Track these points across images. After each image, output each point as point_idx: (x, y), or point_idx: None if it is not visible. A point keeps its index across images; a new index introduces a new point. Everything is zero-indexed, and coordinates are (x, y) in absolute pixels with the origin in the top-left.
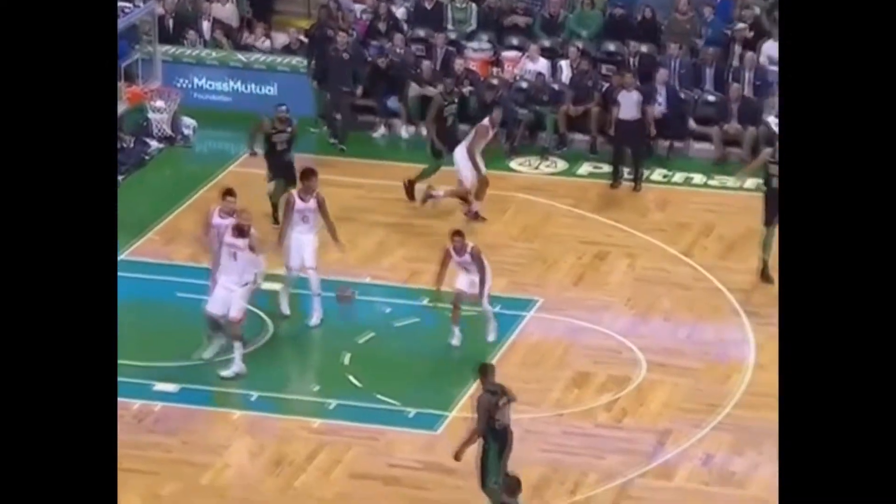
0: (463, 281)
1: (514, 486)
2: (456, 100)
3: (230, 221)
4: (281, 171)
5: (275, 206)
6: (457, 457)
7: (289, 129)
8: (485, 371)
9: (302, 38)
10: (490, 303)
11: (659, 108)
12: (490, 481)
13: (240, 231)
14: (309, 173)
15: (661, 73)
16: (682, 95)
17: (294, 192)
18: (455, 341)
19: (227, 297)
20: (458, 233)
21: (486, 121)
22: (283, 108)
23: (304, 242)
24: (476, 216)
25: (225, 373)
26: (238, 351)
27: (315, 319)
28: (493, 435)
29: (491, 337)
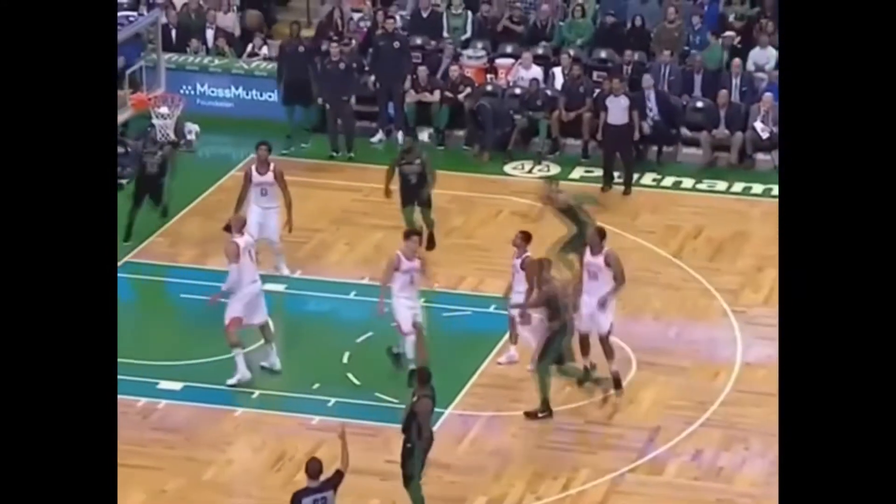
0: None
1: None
2: (415, 160)
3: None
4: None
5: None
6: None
7: (159, 152)
8: (424, 377)
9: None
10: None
11: (650, 113)
12: (415, 480)
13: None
14: (260, 144)
15: (646, 79)
16: (672, 101)
17: (252, 165)
18: (503, 359)
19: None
20: (523, 235)
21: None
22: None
23: (266, 215)
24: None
25: (230, 381)
26: (239, 357)
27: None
28: (421, 438)
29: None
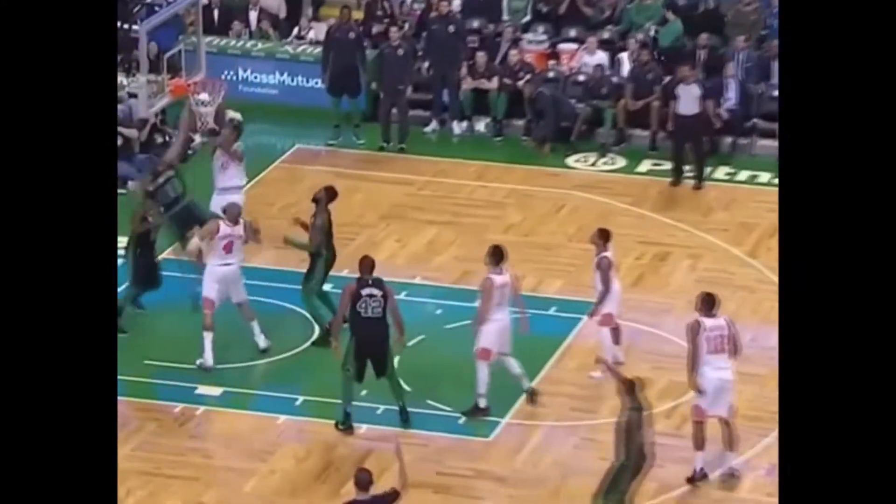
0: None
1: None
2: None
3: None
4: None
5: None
6: None
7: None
8: (632, 387)
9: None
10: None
11: (728, 102)
12: (611, 497)
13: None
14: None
15: (729, 67)
16: (748, 90)
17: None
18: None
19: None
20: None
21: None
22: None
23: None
24: None
25: (198, 361)
26: (207, 341)
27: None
28: (629, 455)
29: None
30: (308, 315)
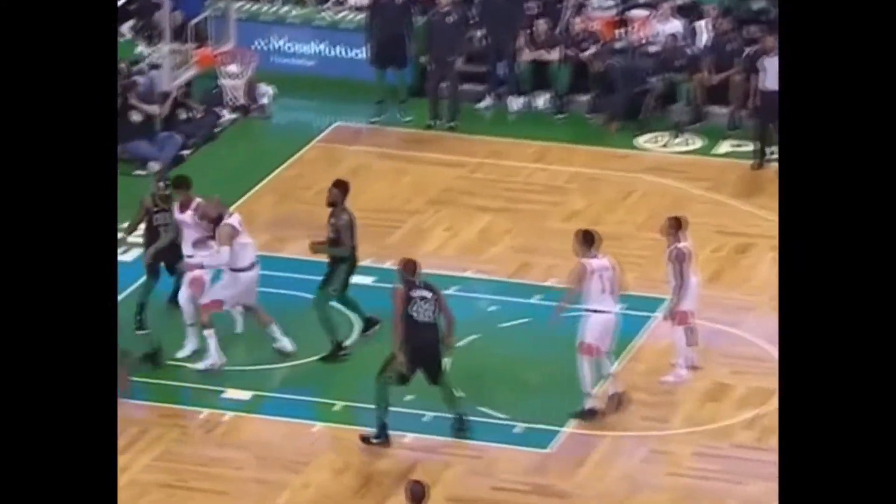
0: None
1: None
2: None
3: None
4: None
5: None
6: None
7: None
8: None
9: None
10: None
11: None
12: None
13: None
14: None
15: None
16: None
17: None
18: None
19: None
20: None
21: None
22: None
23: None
24: None
25: (200, 366)
26: (211, 340)
27: (187, 351)
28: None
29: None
30: (320, 323)
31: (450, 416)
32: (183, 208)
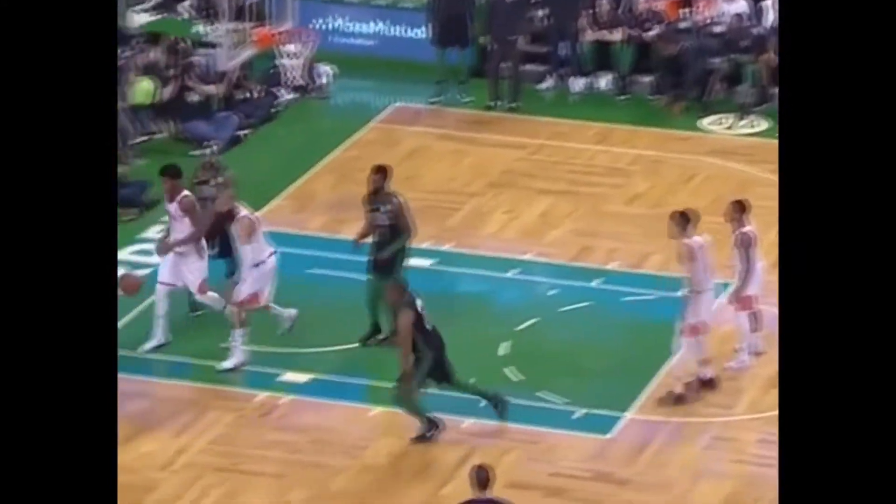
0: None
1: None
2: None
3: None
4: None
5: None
6: None
7: (216, 181)
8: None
9: None
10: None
11: None
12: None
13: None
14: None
15: None
16: None
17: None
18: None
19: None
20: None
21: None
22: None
23: (177, 259)
24: None
25: (224, 364)
26: (238, 339)
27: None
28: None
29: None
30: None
31: (486, 402)
32: (171, 198)
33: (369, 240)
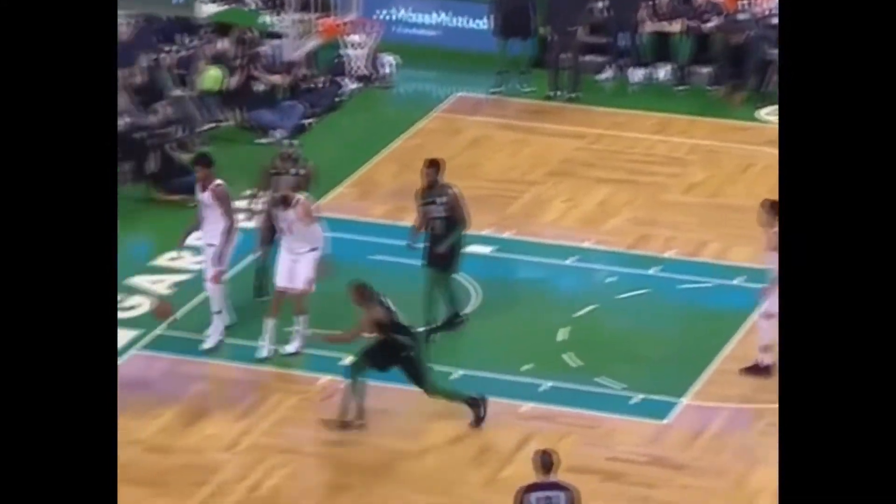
0: None
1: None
2: (437, 200)
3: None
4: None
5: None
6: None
7: (298, 171)
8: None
9: None
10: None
11: None
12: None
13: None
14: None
15: None
16: None
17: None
18: None
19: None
20: None
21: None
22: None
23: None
24: None
25: (287, 348)
26: (302, 324)
27: (210, 343)
28: None
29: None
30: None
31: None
32: (203, 187)
33: (420, 233)
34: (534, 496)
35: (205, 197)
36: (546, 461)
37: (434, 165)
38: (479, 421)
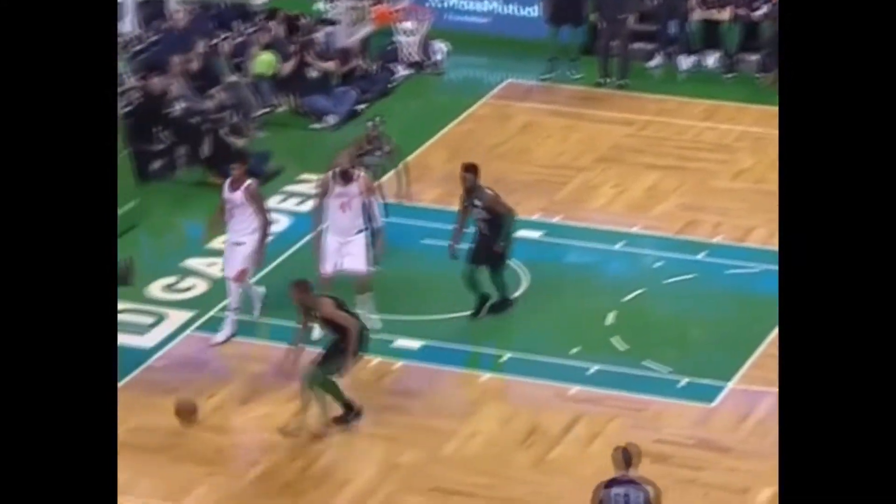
0: None
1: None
2: (476, 202)
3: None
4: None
5: None
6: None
7: (381, 151)
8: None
9: None
10: None
11: None
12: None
13: (346, 178)
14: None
15: None
16: None
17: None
18: None
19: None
20: None
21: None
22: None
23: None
24: None
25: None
26: (366, 304)
27: (220, 337)
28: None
29: None
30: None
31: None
32: (234, 186)
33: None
34: (612, 492)
35: (235, 196)
36: (626, 456)
37: (470, 170)
38: (340, 422)
